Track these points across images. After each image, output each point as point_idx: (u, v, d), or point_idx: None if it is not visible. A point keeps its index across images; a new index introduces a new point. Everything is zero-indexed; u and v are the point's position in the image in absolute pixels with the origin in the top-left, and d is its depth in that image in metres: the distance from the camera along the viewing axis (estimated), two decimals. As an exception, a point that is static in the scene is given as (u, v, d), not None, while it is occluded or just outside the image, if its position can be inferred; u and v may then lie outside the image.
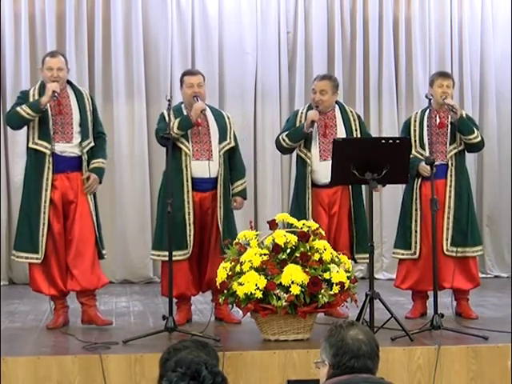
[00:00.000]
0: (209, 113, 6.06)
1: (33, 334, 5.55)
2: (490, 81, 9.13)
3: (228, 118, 6.18)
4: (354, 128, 6.24)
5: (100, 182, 5.91)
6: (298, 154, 6.26)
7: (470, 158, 6.63)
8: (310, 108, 6.26)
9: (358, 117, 6.38)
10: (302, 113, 6.30)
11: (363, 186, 6.29)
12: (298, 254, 5.14)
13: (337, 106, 6.32)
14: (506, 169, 9.06)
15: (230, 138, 6.06)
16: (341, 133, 6.18)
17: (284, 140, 6.20)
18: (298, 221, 5.38)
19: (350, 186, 6.16)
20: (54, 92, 5.65)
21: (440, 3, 9.10)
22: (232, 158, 6.09)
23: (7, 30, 8.51)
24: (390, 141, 5.42)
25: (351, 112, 6.37)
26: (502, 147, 9.13)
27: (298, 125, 6.22)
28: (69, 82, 5.96)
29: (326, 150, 6.10)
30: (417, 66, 9.03)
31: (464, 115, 6.22)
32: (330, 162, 5.95)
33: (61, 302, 5.85)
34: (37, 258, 5.73)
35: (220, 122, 6.06)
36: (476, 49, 9.11)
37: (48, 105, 5.72)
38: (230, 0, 8.84)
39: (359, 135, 6.22)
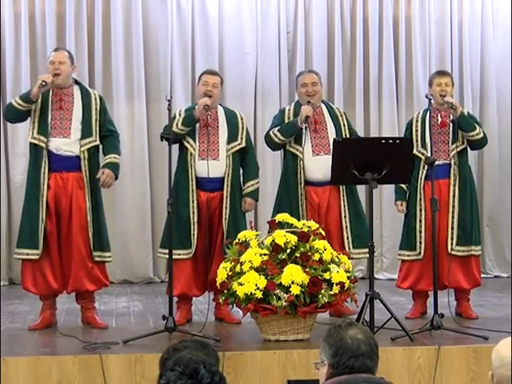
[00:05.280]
0: (221, 112, 6.04)
1: (33, 334, 5.54)
2: (490, 80, 9.14)
3: (241, 118, 6.11)
4: (342, 123, 6.24)
5: (116, 178, 5.85)
6: (287, 150, 6.18)
7: (471, 158, 6.61)
8: (297, 106, 6.25)
9: (344, 113, 6.40)
10: (289, 110, 6.29)
11: (358, 187, 6.30)
12: (298, 254, 5.14)
13: (322, 103, 6.33)
14: (507, 168, 9.05)
15: (242, 138, 6.01)
16: (330, 128, 6.18)
17: (276, 135, 6.13)
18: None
19: (342, 187, 6.13)
20: (42, 81, 5.62)
21: (440, 3, 9.11)
22: (244, 159, 6.04)
23: (7, 30, 8.52)
24: (390, 141, 5.42)
25: (337, 109, 6.43)
26: (502, 147, 9.13)
27: (285, 122, 6.20)
28: (78, 83, 5.96)
29: (318, 145, 6.11)
30: (417, 66, 9.03)
31: (466, 113, 6.23)
32: (323, 157, 5.97)
33: (48, 303, 5.79)
34: (37, 254, 5.65)
35: (231, 123, 6.02)
36: (476, 48, 9.11)
37: (50, 100, 5.72)
38: (229, 0, 8.85)
39: (347, 130, 6.22)
